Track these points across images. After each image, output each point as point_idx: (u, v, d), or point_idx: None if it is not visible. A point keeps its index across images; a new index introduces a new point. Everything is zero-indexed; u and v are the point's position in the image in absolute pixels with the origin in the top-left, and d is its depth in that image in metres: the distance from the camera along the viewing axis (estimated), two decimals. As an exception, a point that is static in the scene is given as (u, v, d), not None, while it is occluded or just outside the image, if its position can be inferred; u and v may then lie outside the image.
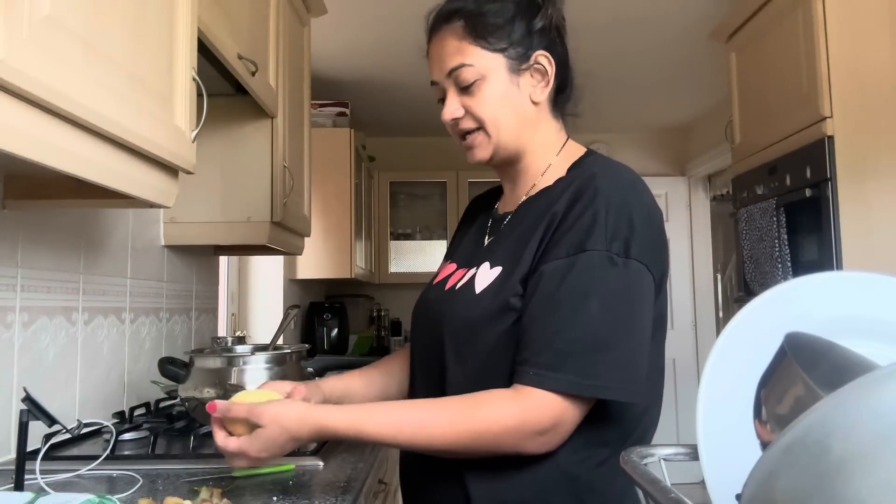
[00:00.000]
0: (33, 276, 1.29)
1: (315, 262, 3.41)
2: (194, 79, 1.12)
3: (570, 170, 0.97)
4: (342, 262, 3.44)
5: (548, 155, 1.00)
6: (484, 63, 0.94)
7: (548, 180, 0.98)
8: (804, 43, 2.09)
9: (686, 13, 2.86)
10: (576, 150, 1.01)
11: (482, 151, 0.98)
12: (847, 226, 1.97)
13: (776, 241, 2.22)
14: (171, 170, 1.09)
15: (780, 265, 2.20)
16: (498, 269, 0.93)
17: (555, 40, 0.98)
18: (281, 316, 3.06)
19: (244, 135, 1.84)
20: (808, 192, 2.06)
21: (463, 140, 0.99)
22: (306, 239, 2.31)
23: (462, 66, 0.95)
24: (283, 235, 1.98)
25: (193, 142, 1.12)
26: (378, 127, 4.44)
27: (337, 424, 0.84)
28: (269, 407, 0.86)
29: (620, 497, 0.90)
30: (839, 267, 1.94)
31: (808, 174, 2.08)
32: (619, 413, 0.88)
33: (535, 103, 0.98)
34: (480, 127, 0.97)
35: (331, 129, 3.50)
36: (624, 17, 2.89)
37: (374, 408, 0.89)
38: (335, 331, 3.73)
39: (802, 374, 0.47)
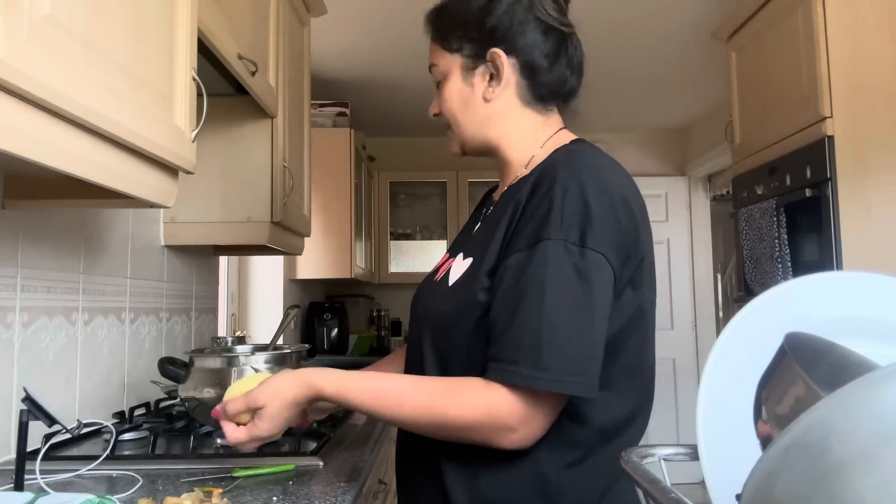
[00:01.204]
0: (33, 276, 1.29)
1: (315, 262, 3.41)
2: (194, 79, 1.12)
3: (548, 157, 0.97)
4: (342, 262, 3.44)
5: (529, 148, 1.00)
6: (445, 63, 1.01)
7: (529, 170, 0.98)
8: (804, 43, 2.09)
9: (686, 13, 2.86)
10: (562, 140, 0.99)
11: (453, 145, 1.06)
12: (847, 226, 1.97)
13: (776, 241, 2.22)
14: (170, 170, 1.09)
15: (780, 265, 2.20)
16: (469, 261, 0.94)
17: (514, 37, 0.96)
18: (281, 316, 3.06)
19: (244, 135, 1.84)
20: (808, 192, 2.06)
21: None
22: (306, 239, 2.31)
23: (432, 65, 1.03)
24: (283, 235, 1.98)
25: (193, 142, 1.13)
26: (378, 127, 4.44)
27: (325, 386, 0.88)
28: (263, 387, 0.90)
29: (596, 502, 0.88)
30: (839, 267, 1.94)
31: (808, 174, 2.08)
32: (583, 411, 0.86)
33: (487, 101, 0.99)
34: (449, 123, 1.04)
35: (331, 129, 3.50)
36: (624, 17, 2.89)
37: (359, 375, 0.91)
38: (335, 331, 3.73)
39: (802, 374, 0.47)
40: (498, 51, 0.96)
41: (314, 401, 0.90)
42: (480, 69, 0.98)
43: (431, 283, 1.02)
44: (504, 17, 0.96)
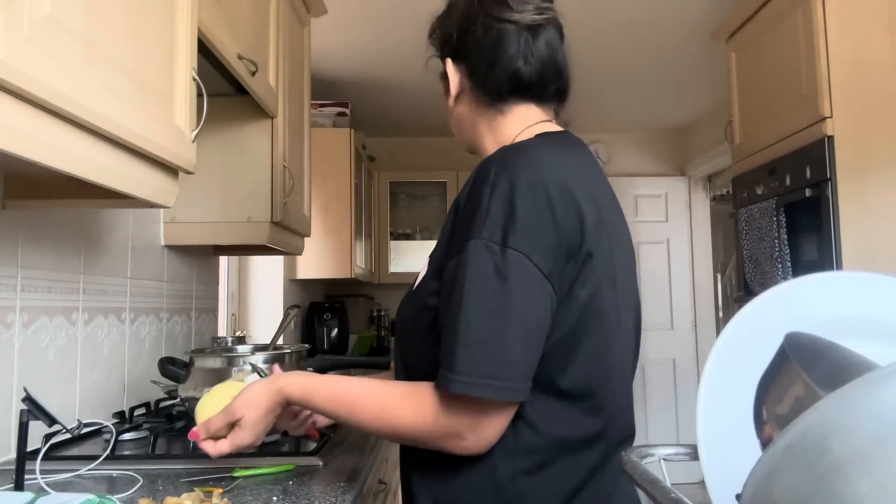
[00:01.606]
0: (33, 276, 1.29)
1: (315, 262, 3.41)
2: (194, 79, 1.12)
3: None
4: (342, 262, 3.44)
5: (499, 146, 1.00)
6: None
7: None
8: (804, 43, 2.09)
9: (686, 13, 2.86)
10: (530, 136, 0.97)
11: None
12: (847, 226, 1.97)
13: (776, 241, 2.22)
14: (171, 170, 1.09)
15: (780, 265, 2.20)
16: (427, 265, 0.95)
17: (460, 44, 1.00)
18: (281, 316, 3.06)
19: (244, 135, 1.84)
20: (808, 192, 2.06)
21: None
22: (306, 239, 2.31)
23: None
24: (283, 235, 1.98)
25: (193, 142, 1.13)
26: (378, 127, 4.44)
27: (292, 391, 0.91)
28: (239, 399, 0.93)
29: None
30: (839, 267, 1.94)
31: (808, 174, 2.08)
32: (533, 418, 0.84)
33: (452, 107, 1.04)
34: None
35: (331, 129, 3.50)
36: (624, 18, 2.89)
37: (326, 379, 0.92)
38: (335, 331, 3.73)
39: (802, 374, 0.47)
40: (448, 60, 1.02)
41: (286, 406, 0.93)
42: (444, 77, 1.03)
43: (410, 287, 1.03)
44: (451, 26, 1.01)
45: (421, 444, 0.85)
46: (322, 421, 1.09)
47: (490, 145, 1.02)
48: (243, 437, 0.92)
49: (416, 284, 0.95)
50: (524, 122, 0.99)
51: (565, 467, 0.85)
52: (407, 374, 0.93)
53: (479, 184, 0.84)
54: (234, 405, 0.93)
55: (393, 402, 0.85)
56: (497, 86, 0.98)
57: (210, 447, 0.93)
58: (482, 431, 0.80)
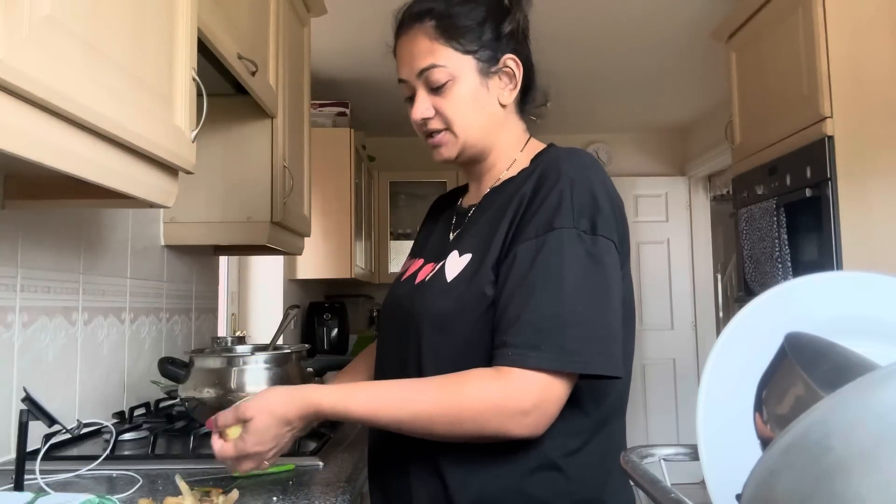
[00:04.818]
0: (33, 276, 1.29)
1: (315, 262, 3.41)
2: (194, 79, 1.12)
3: (533, 160, 0.99)
4: (342, 262, 3.44)
5: (512, 152, 1.03)
6: (455, 64, 0.97)
7: (512, 173, 1.01)
8: (804, 43, 2.09)
9: (686, 13, 2.86)
10: (538, 146, 1.04)
11: (448, 151, 1.01)
12: (847, 226, 1.97)
13: (776, 241, 2.22)
14: (170, 170, 1.09)
15: (780, 265, 2.20)
16: (468, 257, 0.94)
17: (522, 44, 1.01)
18: (281, 316, 3.06)
19: (244, 135, 1.84)
20: (808, 192, 2.06)
21: (429, 138, 1.02)
22: (306, 239, 2.31)
23: (433, 66, 0.97)
24: (283, 235, 1.98)
25: (193, 142, 1.12)
26: (378, 127, 4.44)
27: (323, 402, 0.85)
28: (253, 400, 0.87)
29: (601, 486, 0.90)
30: (839, 267, 1.94)
31: (808, 174, 2.08)
32: (589, 399, 0.89)
33: (503, 105, 1.00)
34: (448, 127, 0.99)
35: (331, 129, 3.50)
36: (624, 17, 2.89)
37: (359, 385, 0.89)
38: (335, 331, 3.73)
39: (802, 374, 0.47)
40: (514, 56, 0.99)
41: (311, 419, 0.87)
42: (497, 73, 0.99)
43: (414, 285, 1.00)
44: (516, 23, 0.99)
45: (477, 431, 0.82)
46: None
47: (504, 151, 1.03)
48: (248, 441, 0.85)
49: (451, 278, 0.93)
50: (526, 133, 1.06)
51: (603, 444, 0.91)
52: (445, 367, 0.88)
53: (553, 180, 0.89)
54: (246, 404, 0.86)
55: (451, 390, 0.83)
56: (534, 95, 1.04)
57: (215, 443, 0.88)
58: (548, 407, 0.82)
